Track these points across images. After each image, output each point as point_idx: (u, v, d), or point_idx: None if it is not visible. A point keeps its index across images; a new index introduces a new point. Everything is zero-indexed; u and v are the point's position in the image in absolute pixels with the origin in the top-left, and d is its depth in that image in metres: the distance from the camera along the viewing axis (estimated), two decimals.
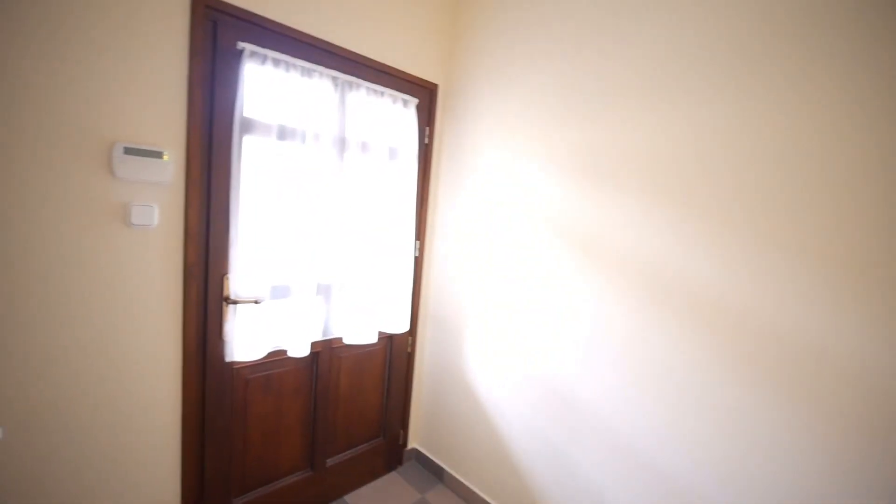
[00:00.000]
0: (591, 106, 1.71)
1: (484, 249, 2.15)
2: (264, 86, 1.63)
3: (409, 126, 2.11)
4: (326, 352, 2.04)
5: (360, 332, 2.05)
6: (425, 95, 2.24)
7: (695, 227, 1.44)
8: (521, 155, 1.99)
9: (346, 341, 2.02)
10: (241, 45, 1.55)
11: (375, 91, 1.96)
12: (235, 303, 1.64)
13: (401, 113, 2.08)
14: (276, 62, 1.62)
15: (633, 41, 1.59)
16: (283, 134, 1.68)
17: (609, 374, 1.67)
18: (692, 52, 1.45)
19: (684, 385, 1.47)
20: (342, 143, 1.89)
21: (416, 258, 2.34)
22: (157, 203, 1.44)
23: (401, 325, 2.18)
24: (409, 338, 2.41)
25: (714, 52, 1.40)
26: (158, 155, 1.42)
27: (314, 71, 1.73)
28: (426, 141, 2.28)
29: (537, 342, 1.91)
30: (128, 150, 1.36)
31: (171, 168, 1.45)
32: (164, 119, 1.43)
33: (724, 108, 1.38)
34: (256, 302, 1.67)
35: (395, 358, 2.35)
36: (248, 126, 1.61)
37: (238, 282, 1.64)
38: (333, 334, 2.01)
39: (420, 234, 2.33)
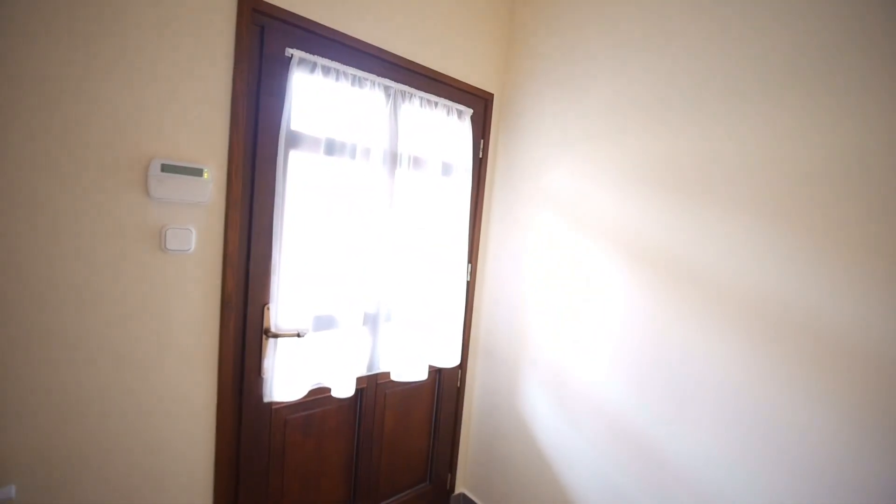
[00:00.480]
0: (679, 110, 1.47)
1: (546, 274, 1.92)
2: (312, 96, 1.47)
3: (464, 139, 1.93)
4: (371, 388, 1.84)
5: (409, 366, 1.84)
6: (480, 106, 2.05)
7: (843, 261, 1.17)
8: (586, 168, 1.76)
9: (395, 377, 1.82)
10: (289, 51, 1.40)
11: (429, 102, 1.79)
12: (276, 336, 1.47)
13: (455, 125, 1.90)
14: (326, 70, 1.47)
15: (736, 31, 1.35)
16: (331, 149, 1.52)
17: (715, 434, 1.39)
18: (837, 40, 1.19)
19: (823, 458, 1.18)
20: (394, 159, 1.71)
21: (467, 283, 2.13)
22: (194, 225, 1.29)
23: (452, 358, 1.96)
24: (459, 371, 2.18)
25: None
26: (198, 172, 1.27)
27: (366, 80, 1.57)
28: (480, 155, 2.08)
29: (616, 389, 1.65)
30: (165, 168, 1.21)
31: (210, 187, 1.30)
32: (205, 133, 1.29)
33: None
34: (299, 335, 1.49)
35: (443, 393, 2.13)
36: (294, 140, 1.45)
37: (280, 313, 1.47)
38: (380, 368, 1.81)
39: (472, 256, 2.13)
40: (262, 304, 1.46)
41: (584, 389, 1.75)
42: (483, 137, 2.08)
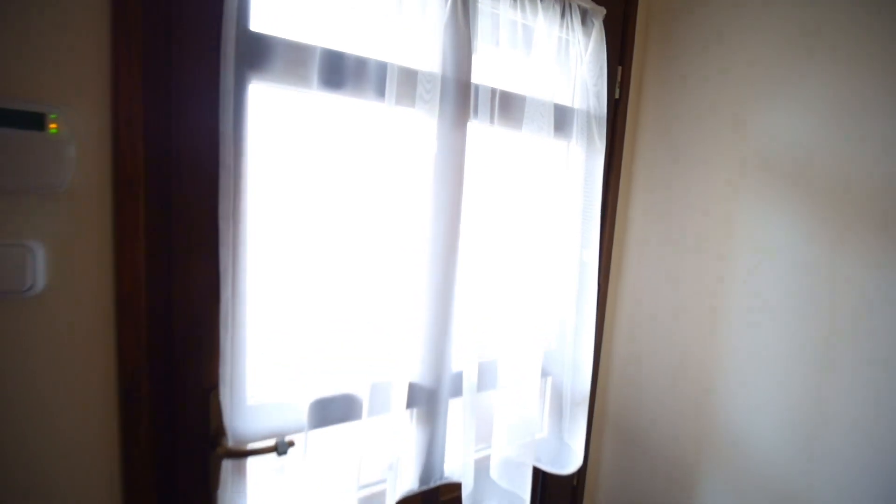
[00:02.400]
0: None
1: (758, 300, 1.01)
2: None
3: (591, 62, 1.07)
4: None
5: (500, 471, 1.05)
6: (617, 4, 1.17)
7: None
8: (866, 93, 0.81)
9: (468, 494, 1.03)
10: None
11: None
12: (235, 455, 0.75)
13: (575, 40, 1.05)
14: None
15: None
16: (335, 74, 0.76)
17: None
18: None
19: None
20: (462, 99, 0.91)
21: (597, 324, 1.25)
22: (40, 239, 0.61)
23: (571, 458, 1.13)
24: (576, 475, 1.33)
25: None
26: (37, 121, 0.58)
27: None
28: (616, 94, 1.20)
29: None
30: None
31: (70, 153, 0.61)
32: (57, 38, 0.59)
33: None
34: (278, 451, 0.76)
35: None
36: (257, 55, 0.71)
37: (239, 405, 0.75)
38: (444, 477, 1.03)
39: (604, 270, 1.25)
40: (205, 388, 0.74)
41: None
42: (621, 63, 1.20)
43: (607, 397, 1.34)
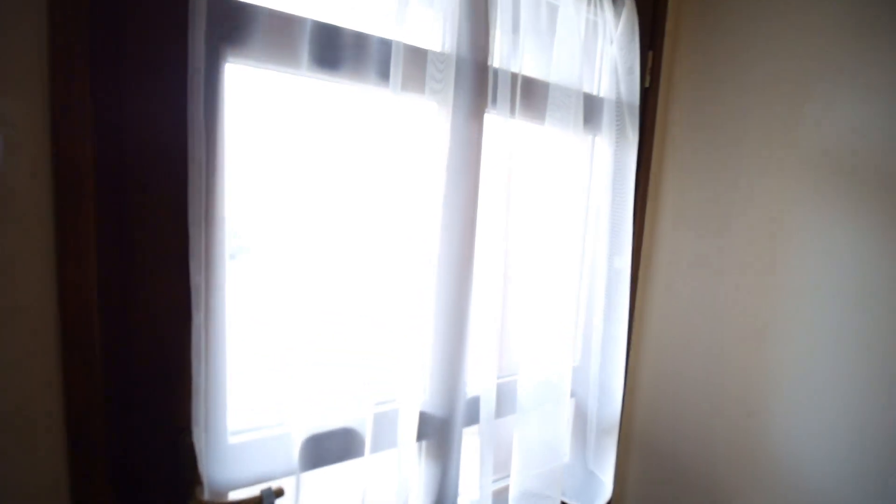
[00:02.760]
0: None
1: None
2: None
3: (623, 45, 0.94)
4: None
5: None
6: None
7: None
8: None
9: None
10: None
11: None
12: None
13: (601, 20, 0.93)
14: None
15: None
16: (328, 52, 0.64)
17: None
18: None
19: None
20: (479, 83, 0.78)
21: (629, 338, 1.12)
22: None
23: (599, 489, 1.01)
24: None
25: None
26: None
27: None
28: (646, 82, 1.07)
29: None
30: None
31: None
32: None
33: None
34: (263, 503, 0.63)
35: None
36: (233, 27, 0.59)
37: (219, 447, 0.63)
38: None
39: (634, 281, 1.13)
40: (179, 428, 0.62)
41: None
42: (651, 47, 1.07)
43: (634, 417, 1.22)
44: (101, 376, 0.55)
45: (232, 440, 0.66)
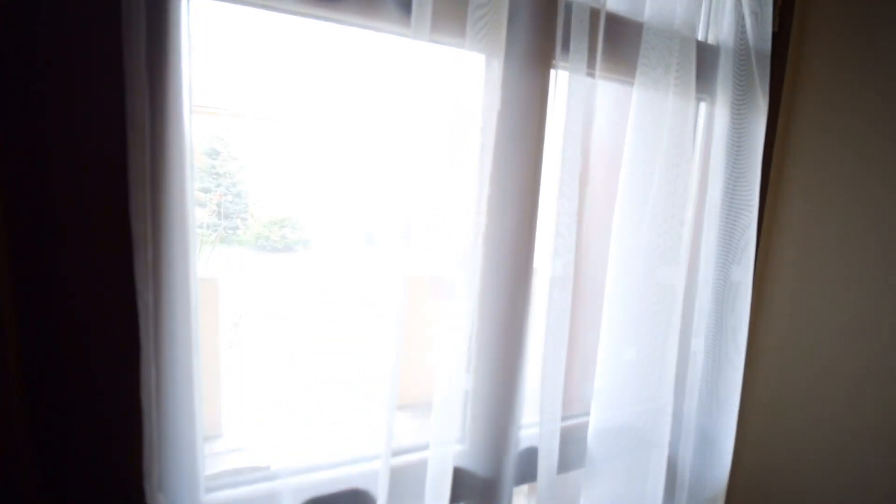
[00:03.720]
0: None
1: None
2: None
3: None
4: None
5: None
6: None
7: None
8: None
9: None
10: None
11: None
12: None
13: None
14: None
15: None
16: None
17: None
18: None
19: None
20: (540, 22, 0.56)
21: (745, 361, 0.83)
22: None
23: None
24: None
25: None
26: None
27: None
28: (775, 26, 0.78)
29: None
30: None
31: None
32: None
33: None
34: None
35: None
36: None
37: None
38: None
39: (757, 298, 0.83)
40: (133, 484, 0.47)
41: None
42: None
43: (746, 482, 0.93)
44: (22, 429, 0.42)
45: (206, 498, 0.51)
